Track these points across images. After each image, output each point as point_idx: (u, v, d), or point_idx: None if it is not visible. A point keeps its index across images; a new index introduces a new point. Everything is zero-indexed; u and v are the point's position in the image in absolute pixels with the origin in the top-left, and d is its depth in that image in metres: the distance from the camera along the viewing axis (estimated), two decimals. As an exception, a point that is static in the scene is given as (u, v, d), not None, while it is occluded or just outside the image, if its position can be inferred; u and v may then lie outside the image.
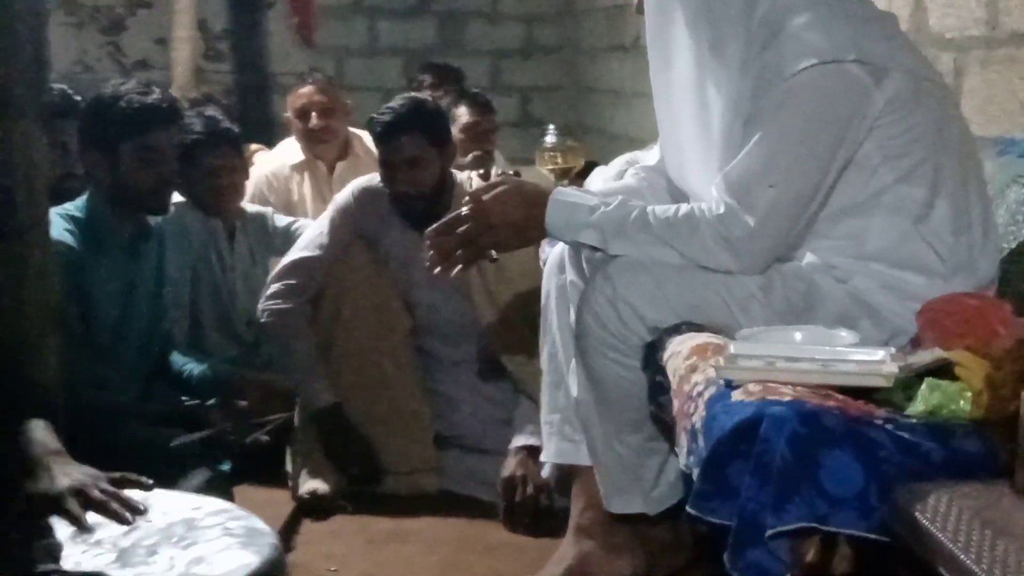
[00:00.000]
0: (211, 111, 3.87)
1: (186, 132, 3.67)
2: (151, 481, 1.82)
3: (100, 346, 3.00)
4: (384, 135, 3.40)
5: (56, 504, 1.73)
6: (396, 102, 3.49)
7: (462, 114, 4.20)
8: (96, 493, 1.74)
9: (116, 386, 3.01)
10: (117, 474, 1.80)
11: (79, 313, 2.94)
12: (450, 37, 6.95)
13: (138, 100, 3.02)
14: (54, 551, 1.75)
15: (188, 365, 3.36)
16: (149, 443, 2.82)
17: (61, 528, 1.76)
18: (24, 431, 1.82)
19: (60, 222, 2.96)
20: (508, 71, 7.04)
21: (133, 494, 1.79)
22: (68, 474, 1.77)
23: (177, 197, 3.77)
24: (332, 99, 4.56)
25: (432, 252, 2.38)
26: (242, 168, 3.84)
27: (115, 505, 1.74)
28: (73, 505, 1.72)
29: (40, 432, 1.83)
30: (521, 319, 3.30)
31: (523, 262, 3.28)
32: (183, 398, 3.34)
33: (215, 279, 3.76)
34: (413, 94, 3.79)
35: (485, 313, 3.42)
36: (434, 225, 2.41)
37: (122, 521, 1.73)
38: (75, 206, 3.07)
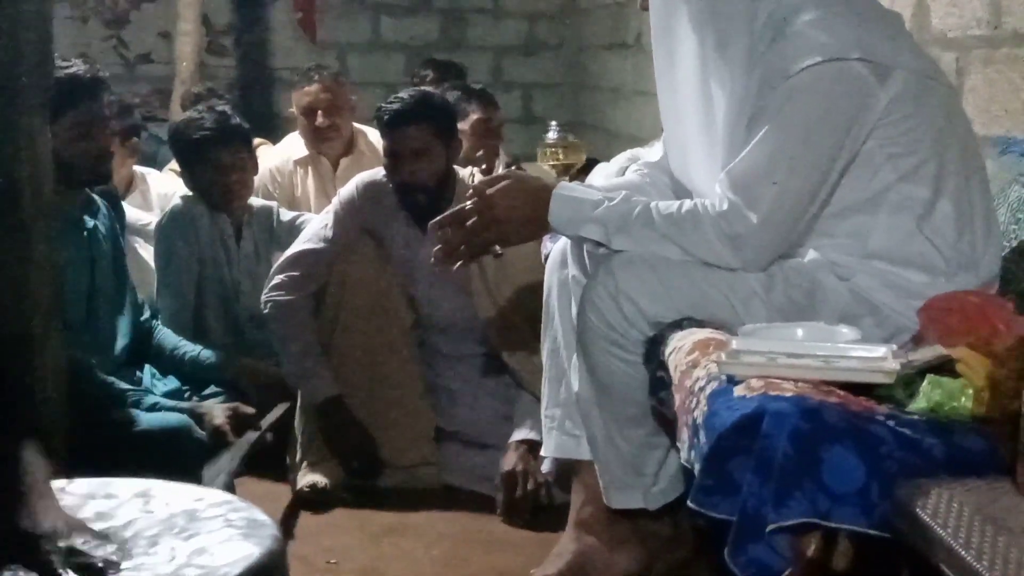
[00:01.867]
0: (221, 106, 3.86)
1: (195, 127, 3.68)
2: (117, 552, 1.76)
3: (72, 325, 2.99)
4: (391, 125, 3.41)
5: (31, 546, 1.69)
6: (405, 93, 3.50)
7: (473, 111, 4.21)
8: (74, 540, 1.70)
9: (96, 363, 3.00)
10: (99, 530, 1.78)
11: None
12: (453, 33, 6.96)
13: (61, 75, 2.98)
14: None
15: (179, 348, 3.36)
16: (152, 428, 2.81)
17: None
18: (20, 459, 1.80)
19: None
20: (510, 68, 7.05)
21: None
22: (50, 517, 1.75)
23: (185, 190, 3.79)
24: (338, 97, 4.57)
25: (437, 247, 2.39)
26: (251, 165, 3.84)
27: (88, 559, 1.70)
28: (49, 547, 1.68)
29: (34, 466, 1.81)
30: (521, 314, 3.31)
31: (524, 258, 3.28)
32: (179, 387, 3.35)
33: (221, 274, 3.76)
34: (422, 87, 3.79)
35: (485, 308, 3.43)
36: (438, 218, 2.42)
37: (95, 573, 1.68)
38: None
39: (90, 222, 3.13)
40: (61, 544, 1.69)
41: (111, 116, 3.14)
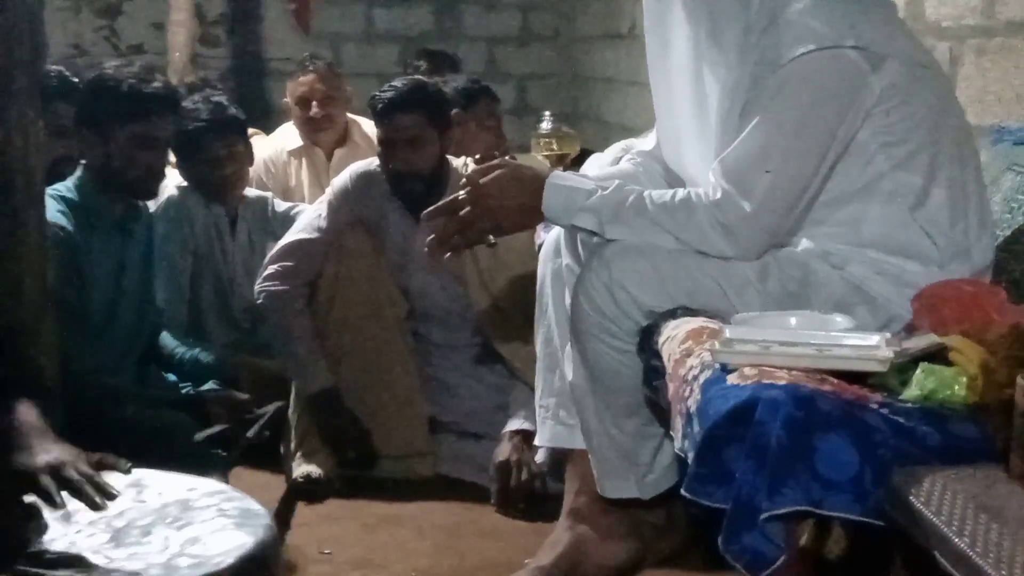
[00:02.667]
0: (217, 97, 3.84)
1: (191, 118, 3.66)
2: (129, 464, 1.79)
3: (94, 327, 2.99)
4: (384, 113, 3.40)
5: (31, 481, 1.71)
6: (398, 82, 3.50)
7: (487, 106, 4.22)
8: (71, 473, 1.72)
9: (109, 368, 3.00)
10: (96, 455, 1.79)
11: (75, 293, 2.93)
12: (447, 24, 6.94)
13: (139, 87, 2.99)
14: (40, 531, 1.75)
15: (179, 349, 3.36)
16: (149, 426, 2.81)
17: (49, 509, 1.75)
18: (10, 408, 1.81)
19: (52, 203, 2.93)
20: (504, 58, 7.04)
21: (111, 477, 1.77)
22: (47, 451, 1.75)
23: (180, 181, 3.78)
24: (333, 87, 4.57)
25: (431, 236, 2.39)
26: (247, 156, 3.83)
27: (88, 488, 1.72)
28: (47, 483, 1.70)
29: (25, 410, 1.82)
30: (515, 304, 3.31)
31: (517, 247, 3.28)
32: (177, 382, 3.35)
33: (216, 265, 3.76)
34: (416, 76, 3.80)
35: (479, 299, 3.42)
36: (431, 208, 2.42)
37: (93, 506, 1.71)
38: (66, 187, 3.04)
39: (129, 227, 3.11)
40: (57, 477, 1.70)
41: (172, 135, 3.13)
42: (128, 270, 3.11)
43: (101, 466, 1.77)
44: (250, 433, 3.09)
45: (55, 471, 1.72)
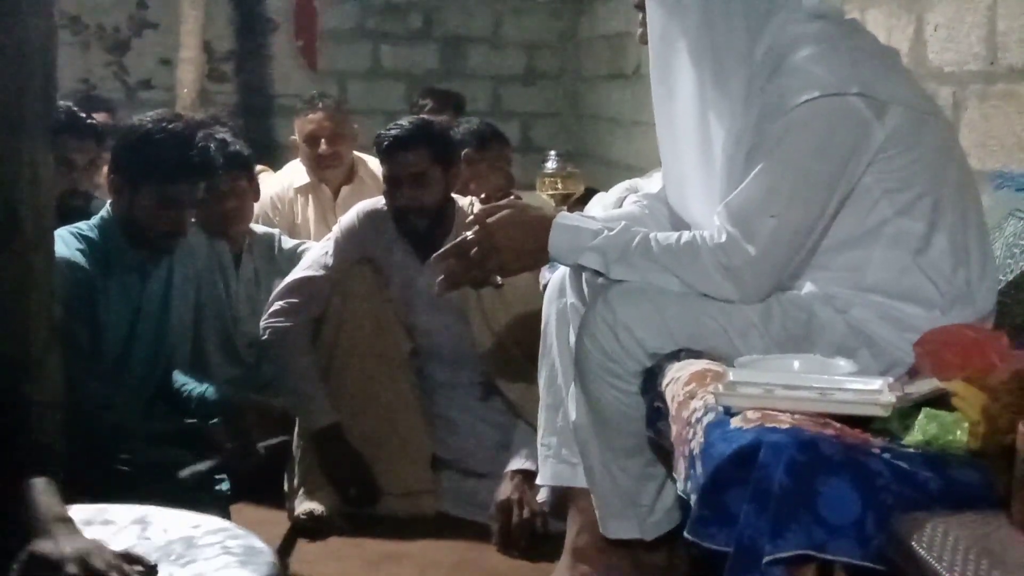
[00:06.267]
0: (221, 133, 3.84)
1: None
2: (154, 563, 1.75)
3: (106, 366, 2.99)
4: (390, 150, 3.42)
5: (57, 570, 1.68)
6: (404, 120, 3.52)
7: (494, 151, 4.25)
8: (99, 563, 1.69)
9: (120, 406, 3.00)
10: (122, 549, 1.78)
11: (88, 333, 2.92)
12: (452, 62, 6.99)
13: (174, 150, 2.94)
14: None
15: (188, 385, 3.37)
16: (151, 463, 2.81)
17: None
18: (28, 490, 1.80)
19: (73, 241, 2.93)
20: (509, 97, 7.08)
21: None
22: (72, 540, 1.75)
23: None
24: (341, 126, 4.60)
25: (440, 277, 2.40)
26: (251, 192, 3.83)
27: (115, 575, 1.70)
28: (75, 571, 1.67)
29: (44, 494, 1.81)
30: (518, 344, 3.32)
31: (521, 287, 3.28)
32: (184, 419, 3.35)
33: (219, 301, 3.76)
34: (422, 115, 3.82)
35: (482, 337, 3.43)
36: (440, 251, 2.44)
37: None
38: (88, 226, 3.02)
39: (148, 270, 3.11)
40: (84, 566, 1.69)
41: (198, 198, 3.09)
42: (144, 311, 3.09)
43: (128, 560, 1.76)
44: (251, 459, 3.10)
45: (82, 560, 1.71)
